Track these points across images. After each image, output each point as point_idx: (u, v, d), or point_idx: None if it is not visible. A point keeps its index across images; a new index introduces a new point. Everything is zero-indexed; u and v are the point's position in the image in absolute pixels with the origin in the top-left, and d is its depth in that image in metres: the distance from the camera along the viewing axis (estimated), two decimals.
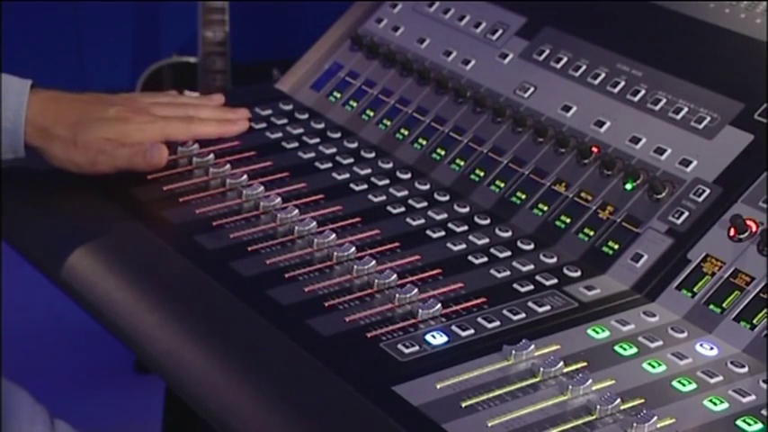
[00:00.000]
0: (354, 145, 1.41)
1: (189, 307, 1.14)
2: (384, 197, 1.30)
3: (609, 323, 1.10)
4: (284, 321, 1.10)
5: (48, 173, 1.33)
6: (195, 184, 1.32)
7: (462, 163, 1.34)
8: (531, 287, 1.15)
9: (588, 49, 1.37)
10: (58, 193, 1.32)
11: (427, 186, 1.33)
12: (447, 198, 1.30)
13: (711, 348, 1.07)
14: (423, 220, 1.26)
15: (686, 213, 1.18)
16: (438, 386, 1.01)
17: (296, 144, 1.41)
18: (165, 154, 1.32)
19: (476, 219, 1.26)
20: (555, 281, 1.16)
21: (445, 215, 1.27)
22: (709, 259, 1.14)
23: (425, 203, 1.29)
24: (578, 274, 1.17)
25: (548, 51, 1.40)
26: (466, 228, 1.25)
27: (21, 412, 1.33)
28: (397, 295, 1.12)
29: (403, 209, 1.28)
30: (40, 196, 1.32)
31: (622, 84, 1.32)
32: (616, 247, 1.19)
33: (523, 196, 1.28)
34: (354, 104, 1.47)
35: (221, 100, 1.44)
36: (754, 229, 1.13)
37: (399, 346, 1.06)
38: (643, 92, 1.30)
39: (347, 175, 1.34)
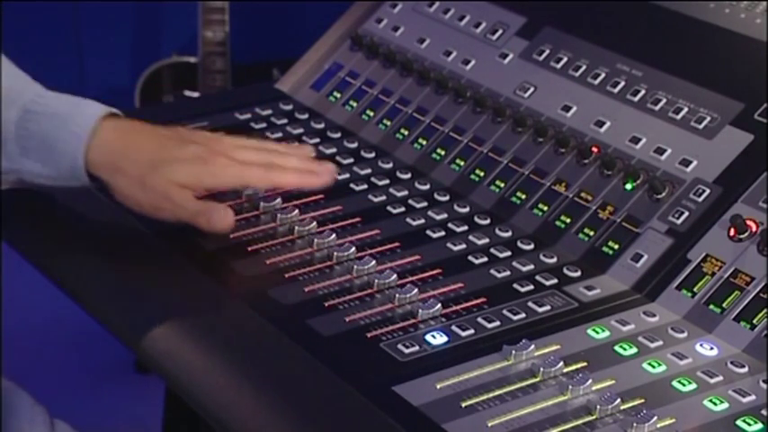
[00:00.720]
0: (354, 145, 1.41)
1: (188, 307, 1.14)
2: (384, 197, 1.30)
3: (609, 323, 1.10)
4: (284, 321, 1.10)
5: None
6: None
7: (462, 163, 1.34)
8: (531, 287, 1.15)
9: (588, 49, 1.37)
10: (60, 194, 1.32)
11: (427, 186, 1.33)
12: (447, 198, 1.30)
13: (711, 348, 1.07)
14: (423, 220, 1.26)
15: (686, 213, 1.18)
16: (438, 386, 1.01)
17: (296, 144, 1.41)
18: (230, 220, 1.19)
19: (476, 219, 1.26)
20: (555, 281, 1.16)
21: (445, 215, 1.27)
22: (709, 259, 1.14)
23: (425, 203, 1.29)
24: (578, 274, 1.17)
25: (548, 51, 1.40)
26: (466, 228, 1.25)
27: (21, 412, 1.32)
28: (397, 295, 1.12)
29: (403, 209, 1.28)
30: (41, 197, 1.32)
31: (622, 84, 1.32)
32: (616, 247, 1.19)
33: (523, 196, 1.28)
34: (354, 104, 1.47)
35: (311, 152, 1.28)
36: (754, 229, 1.13)
37: (399, 346, 1.06)
38: (643, 92, 1.30)
39: (347, 175, 1.34)
